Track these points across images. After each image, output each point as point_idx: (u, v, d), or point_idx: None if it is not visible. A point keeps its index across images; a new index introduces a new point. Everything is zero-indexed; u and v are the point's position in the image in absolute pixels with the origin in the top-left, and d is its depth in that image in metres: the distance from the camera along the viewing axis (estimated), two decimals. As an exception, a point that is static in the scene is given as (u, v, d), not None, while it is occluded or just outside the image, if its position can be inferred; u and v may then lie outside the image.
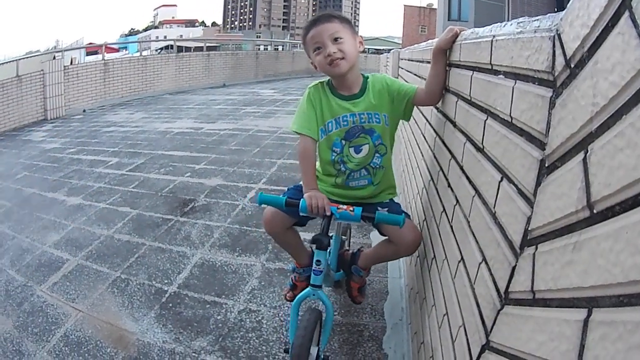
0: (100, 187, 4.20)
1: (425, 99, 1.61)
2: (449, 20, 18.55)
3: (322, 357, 1.55)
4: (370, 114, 1.62)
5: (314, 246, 1.55)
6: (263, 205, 1.58)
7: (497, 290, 0.73)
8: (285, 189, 1.79)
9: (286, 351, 1.60)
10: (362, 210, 1.50)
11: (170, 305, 2.24)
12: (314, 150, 1.63)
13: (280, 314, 2.13)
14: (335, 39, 1.52)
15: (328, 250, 1.58)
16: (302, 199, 1.51)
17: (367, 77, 1.65)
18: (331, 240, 1.98)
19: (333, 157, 1.66)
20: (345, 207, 1.51)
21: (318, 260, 1.52)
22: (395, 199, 1.84)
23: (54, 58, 9.52)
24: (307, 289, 1.54)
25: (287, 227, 1.74)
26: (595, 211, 0.45)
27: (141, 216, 3.44)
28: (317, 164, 1.74)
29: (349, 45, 1.54)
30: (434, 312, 1.30)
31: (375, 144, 1.64)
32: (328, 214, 1.49)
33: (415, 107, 1.69)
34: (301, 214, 1.54)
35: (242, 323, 2.08)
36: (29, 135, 7.33)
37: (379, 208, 1.68)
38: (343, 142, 1.64)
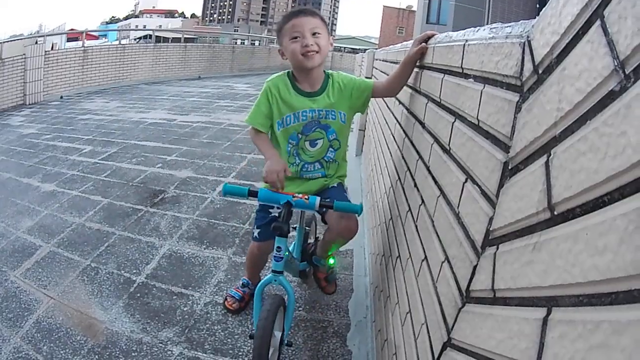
0: (74, 175, 4.16)
1: (385, 93, 1.75)
2: (427, 23, 18.55)
3: (287, 342, 1.62)
4: (328, 111, 1.69)
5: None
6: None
7: (459, 288, 0.75)
8: (256, 184, 1.82)
9: (251, 337, 1.66)
10: (320, 199, 1.57)
11: (138, 295, 2.24)
12: (264, 134, 1.73)
13: (245, 308, 2.12)
14: (314, 33, 1.57)
15: (293, 240, 1.63)
16: (259, 189, 1.59)
17: (329, 76, 1.72)
18: (295, 231, 2.08)
19: (289, 149, 1.74)
20: (300, 195, 1.58)
21: (279, 247, 1.57)
22: (345, 185, 1.93)
23: (36, 43, 9.18)
24: (269, 275, 1.60)
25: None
26: (555, 213, 0.47)
27: (112, 205, 3.42)
28: None
29: (324, 41, 1.60)
30: (398, 310, 1.31)
31: (329, 139, 1.73)
32: (287, 174, 1.58)
33: (387, 108, 1.73)
34: (260, 202, 1.64)
35: (208, 315, 2.09)
36: (7, 120, 7.13)
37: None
38: (299, 135, 1.71)
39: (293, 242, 2.08)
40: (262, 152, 1.70)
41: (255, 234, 1.86)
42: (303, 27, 1.56)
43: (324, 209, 1.66)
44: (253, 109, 1.71)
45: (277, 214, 1.79)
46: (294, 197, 1.56)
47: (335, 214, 1.68)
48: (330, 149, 1.75)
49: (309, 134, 1.70)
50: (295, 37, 1.57)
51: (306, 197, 1.57)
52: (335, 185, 1.85)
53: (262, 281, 1.63)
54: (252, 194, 1.57)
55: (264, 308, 1.48)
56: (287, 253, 1.68)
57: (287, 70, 1.72)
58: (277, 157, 1.62)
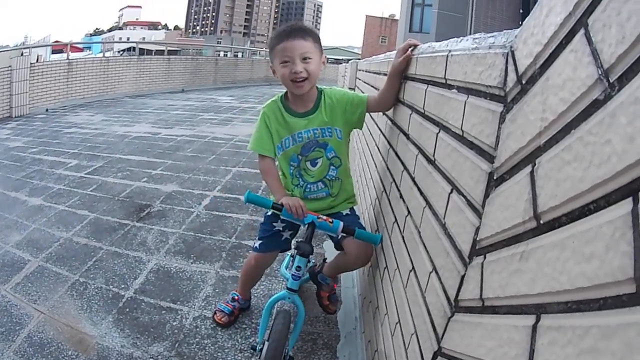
0: (60, 189, 4.10)
1: (378, 107, 1.72)
2: (410, 32, 18.44)
3: (288, 357, 1.62)
4: (323, 129, 1.67)
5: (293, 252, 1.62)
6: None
7: (447, 298, 0.75)
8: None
9: (253, 348, 1.68)
10: (344, 224, 1.58)
11: (127, 310, 2.21)
12: (273, 166, 1.73)
13: (235, 322, 2.11)
14: (305, 59, 1.55)
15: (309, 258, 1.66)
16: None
17: (322, 92, 1.70)
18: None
19: (291, 171, 1.73)
20: (325, 217, 1.59)
21: (299, 267, 1.59)
22: (356, 207, 1.90)
23: (22, 54, 9.03)
24: (283, 291, 1.62)
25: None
26: (541, 222, 0.47)
27: (99, 220, 3.37)
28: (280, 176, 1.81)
29: (315, 65, 1.58)
30: (387, 321, 1.31)
31: (328, 157, 1.71)
32: (305, 216, 1.57)
33: (371, 120, 1.73)
34: (282, 217, 1.62)
35: (198, 329, 2.06)
36: (-6, 133, 7.03)
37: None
38: (299, 156, 1.70)
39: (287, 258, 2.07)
40: (272, 191, 1.69)
41: (256, 244, 1.85)
42: (293, 52, 1.53)
43: (343, 235, 1.64)
44: (253, 136, 1.71)
45: (280, 228, 1.80)
46: (318, 218, 1.57)
47: (355, 241, 1.65)
48: (332, 167, 1.72)
49: (308, 154, 1.69)
50: (285, 62, 1.55)
51: (330, 220, 1.57)
52: (349, 212, 1.83)
53: (274, 296, 1.64)
54: (276, 207, 1.57)
55: (276, 326, 1.49)
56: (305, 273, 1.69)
57: (280, 95, 1.72)
58: (290, 197, 1.62)
